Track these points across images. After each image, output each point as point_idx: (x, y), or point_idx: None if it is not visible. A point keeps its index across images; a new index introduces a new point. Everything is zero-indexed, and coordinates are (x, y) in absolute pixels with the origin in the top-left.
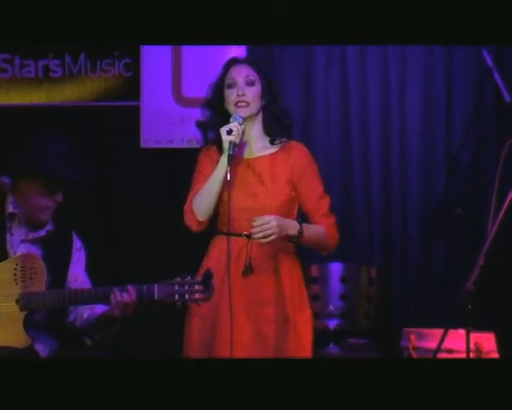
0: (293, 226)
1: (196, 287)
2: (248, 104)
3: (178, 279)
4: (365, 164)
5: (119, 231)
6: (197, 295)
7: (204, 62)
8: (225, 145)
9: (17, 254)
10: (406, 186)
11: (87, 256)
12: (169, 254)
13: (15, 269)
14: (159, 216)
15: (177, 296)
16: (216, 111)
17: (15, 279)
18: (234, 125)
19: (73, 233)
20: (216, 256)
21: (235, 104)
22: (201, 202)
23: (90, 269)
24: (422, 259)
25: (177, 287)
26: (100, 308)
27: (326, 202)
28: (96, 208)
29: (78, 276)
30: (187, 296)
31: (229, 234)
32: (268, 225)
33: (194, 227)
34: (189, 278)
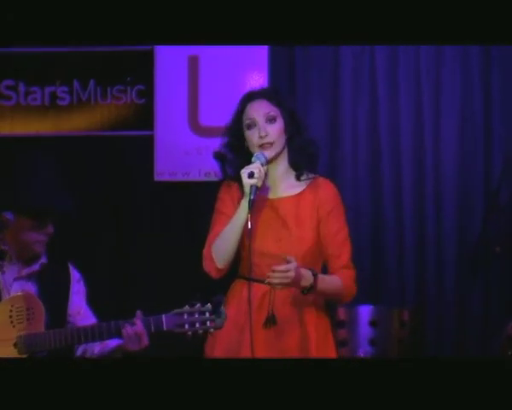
0: (306, 278)
1: (207, 315)
2: (273, 144)
3: (187, 308)
4: (397, 196)
5: (128, 268)
6: (208, 324)
7: (222, 89)
8: (246, 189)
9: (12, 295)
10: (441, 221)
11: (88, 288)
12: (181, 289)
13: (11, 311)
14: (172, 251)
15: (187, 326)
16: (238, 152)
17: (12, 322)
18: (255, 166)
19: (70, 265)
20: (236, 304)
21: (260, 147)
22: (220, 249)
23: (93, 302)
24: (459, 301)
25: (186, 316)
26: (112, 342)
27: (347, 250)
28: (105, 244)
29: (80, 309)
30: (197, 325)
31: (250, 279)
32: (287, 274)
33: (214, 274)
34: (199, 305)
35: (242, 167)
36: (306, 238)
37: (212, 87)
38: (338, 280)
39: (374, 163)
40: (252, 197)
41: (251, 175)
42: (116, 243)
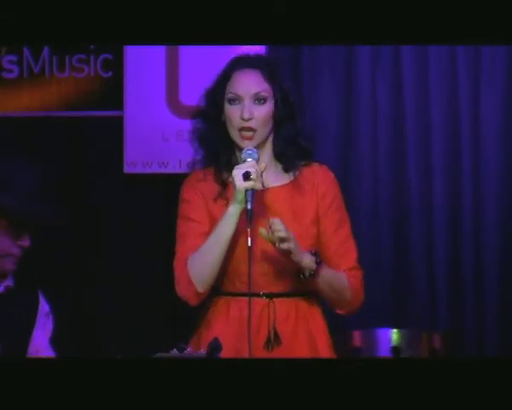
0: (309, 257)
1: None
2: (256, 131)
3: (175, 352)
4: (426, 197)
5: (94, 292)
6: None
7: (208, 60)
8: (238, 196)
9: None
10: (480, 226)
11: (55, 324)
12: (163, 322)
13: None
14: (149, 266)
15: None
16: (213, 124)
17: None
18: (250, 164)
19: (40, 294)
20: (222, 326)
21: (239, 130)
22: (202, 270)
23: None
24: (503, 324)
25: None
26: None
27: (353, 249)
28: (63, 259)
29: (39, 348)
30: None
31: (248, 295)
32: (286, 234)
33: (193, 301)
34: (189, 350)
35: (216, 145)
36: (307, 235)
37: (195, 57)
38: (343, 276)
39: (397, 161)
40: (250, 207)
41: (247, 176)
42: (76, 260)
